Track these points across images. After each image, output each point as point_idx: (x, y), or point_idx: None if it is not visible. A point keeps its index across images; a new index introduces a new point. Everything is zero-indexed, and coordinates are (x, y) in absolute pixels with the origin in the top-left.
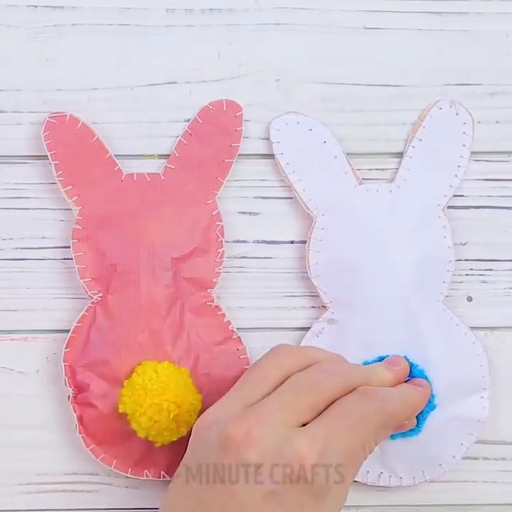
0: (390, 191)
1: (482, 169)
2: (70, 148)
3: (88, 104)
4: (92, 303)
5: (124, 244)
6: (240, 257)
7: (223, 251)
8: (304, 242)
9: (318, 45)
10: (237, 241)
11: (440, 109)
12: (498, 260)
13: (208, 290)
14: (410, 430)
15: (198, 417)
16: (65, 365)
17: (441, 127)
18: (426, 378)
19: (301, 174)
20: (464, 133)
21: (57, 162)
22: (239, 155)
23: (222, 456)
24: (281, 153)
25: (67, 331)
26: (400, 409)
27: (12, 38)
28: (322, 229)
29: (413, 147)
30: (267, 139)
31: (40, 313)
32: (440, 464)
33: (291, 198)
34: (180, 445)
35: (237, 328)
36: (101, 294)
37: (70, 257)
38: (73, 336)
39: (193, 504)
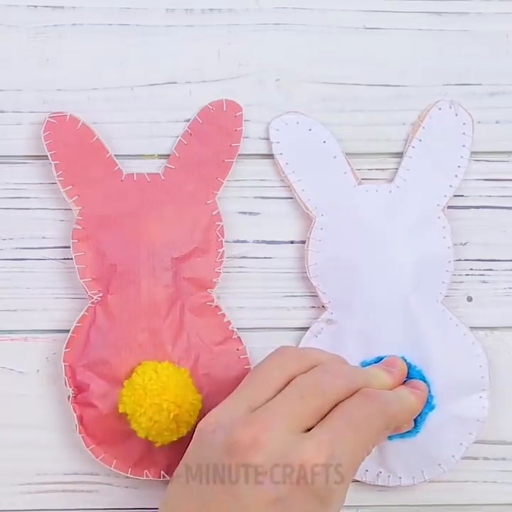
0: (390, 191)
1: (482, 169)
2: (70, 148)
3: (88, 104)
4: (92, 303)
5: (124, 244)
6: (240, 257)
7: (223, 251)
8: (304, 242)
9: (318, 45)
10: (237, 241)
11: (440, 109)
12: (498, 260)
13: (208, 290)
14: (408, 431)
15: (198, 417)
16: (65, 365)
17: (440, 128)
18: (424, 379)
19: (301, 174)
20: (463, 133)
21: (57, 162)
22: (239, 155)
23: (227, 460)
24: (281, 153)
25: (67, 331)
26: (400, 412)
27: (12, 38)
28: (321, 229)
29: (413, 147)
30: (267, 139)
31: (40, 313)
32: (439, 464)
33: (291, 198)
34: (181, 445)
35: (237, 328)
36: (101, 294)
37: (70, 257)
38: (73, 336)
39: (197, 505)
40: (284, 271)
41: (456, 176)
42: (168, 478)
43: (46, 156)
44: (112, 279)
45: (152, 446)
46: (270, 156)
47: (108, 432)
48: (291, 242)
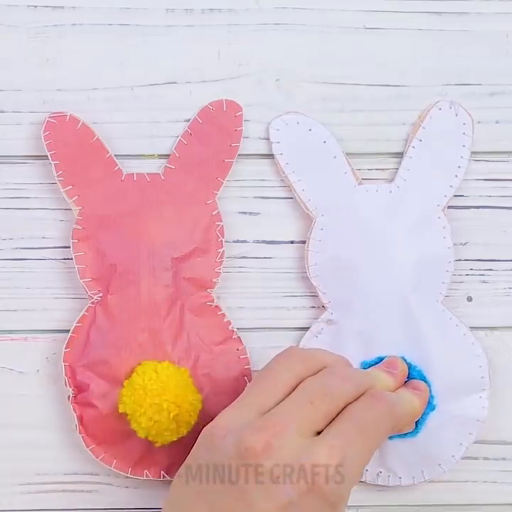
0: (390, 191)
1: (482, 169)
2: (70, 148)
3: (88, 104)
4: (92, 303)
5: (124, 244)
6: (240, 257)
7: (223, 251)
8: (304, 242)
9: (318, 45)
10: (237, 241)
11: (440, 109)
12: (498, 260)
13: (208, 290)
14: (409, 431)
15: (198, 417)
16: (65, 365)
17: (440, 128)
18: (424, 379)
19: (301, 174)
20: (463, 133)
21: (57, 162)
22: (239, 155)
23: (239, 466)
24: (281, 153)
25: (67, 331)
26: (405, 414)
27: (12, 38)
28: (321, 229)
29: (413, 147)
30: (267, 139)
31: (40, 313)
32: (439, 464)
33: (291, 198)
34: (181, 445)
35: (237, 328)
36: (101, 294)
37: (70, 257)
38: (73, 336)
39: (205, 509)
40: (284, 271)
41: (456, 176)
42: (169, 478)
43: (46, 156)
44: (112, 279)
45: (152, 446)
46: (270, 156)
47: (108, 432)
48: (291, 242)
